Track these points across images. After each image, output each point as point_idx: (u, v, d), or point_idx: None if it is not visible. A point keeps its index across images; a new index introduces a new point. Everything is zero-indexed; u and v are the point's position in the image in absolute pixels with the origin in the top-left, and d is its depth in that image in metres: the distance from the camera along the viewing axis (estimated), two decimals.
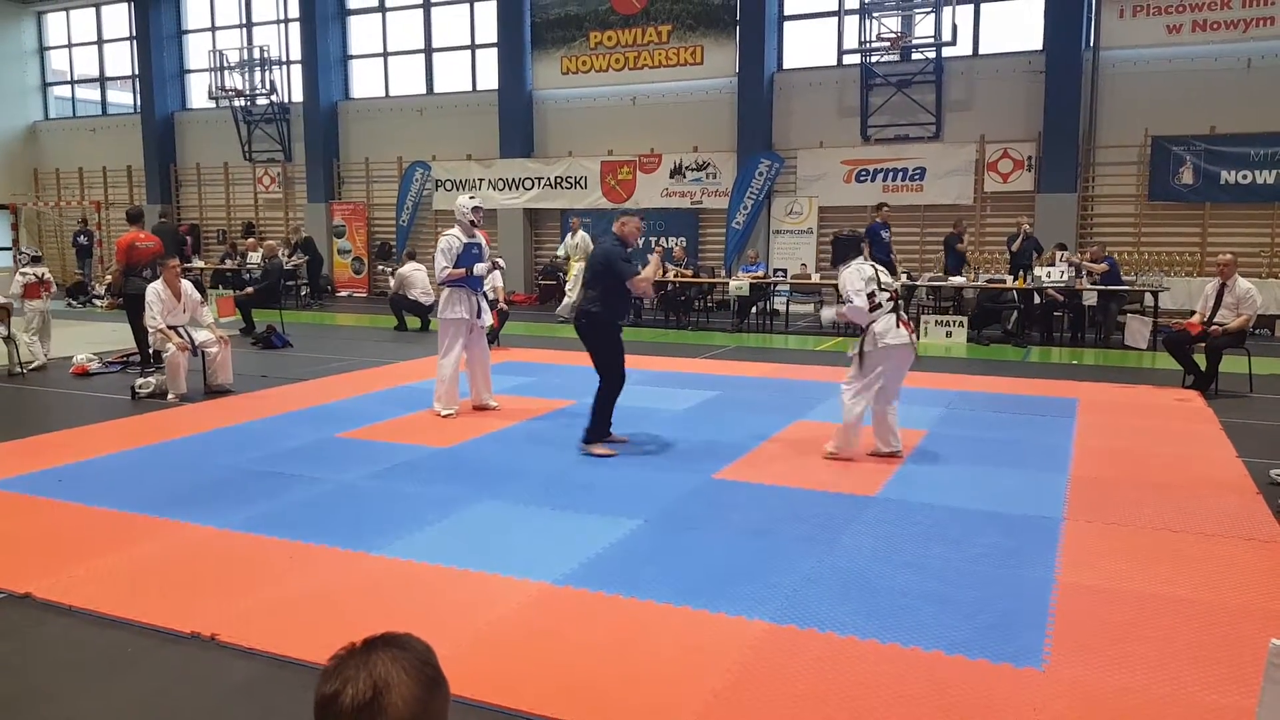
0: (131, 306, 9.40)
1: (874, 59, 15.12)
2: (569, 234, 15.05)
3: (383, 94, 19.52)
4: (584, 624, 3.67)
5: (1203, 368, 8.63)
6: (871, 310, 6.04)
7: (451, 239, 7.48)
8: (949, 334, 12.29)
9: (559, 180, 17.48)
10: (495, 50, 17.81)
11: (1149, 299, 11.99)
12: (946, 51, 14.67)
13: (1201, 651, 3.39)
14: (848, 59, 15.37)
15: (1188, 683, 3.17)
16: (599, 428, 6.38)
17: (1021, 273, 12.28)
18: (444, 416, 7.38)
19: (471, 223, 7.53)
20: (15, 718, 3.03)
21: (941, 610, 3.75)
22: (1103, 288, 11.94)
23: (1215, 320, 8.65)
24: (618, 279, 6.30)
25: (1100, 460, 6.13)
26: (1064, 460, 6.13)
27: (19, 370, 9.55)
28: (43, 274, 10.49)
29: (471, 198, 7.74)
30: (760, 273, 14.43)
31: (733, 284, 13.96)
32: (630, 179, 16.91)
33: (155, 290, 8.48)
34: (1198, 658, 3.34)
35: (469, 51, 18.60)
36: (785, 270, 14.97)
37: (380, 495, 5.38)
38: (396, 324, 13.71)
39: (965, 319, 12.38)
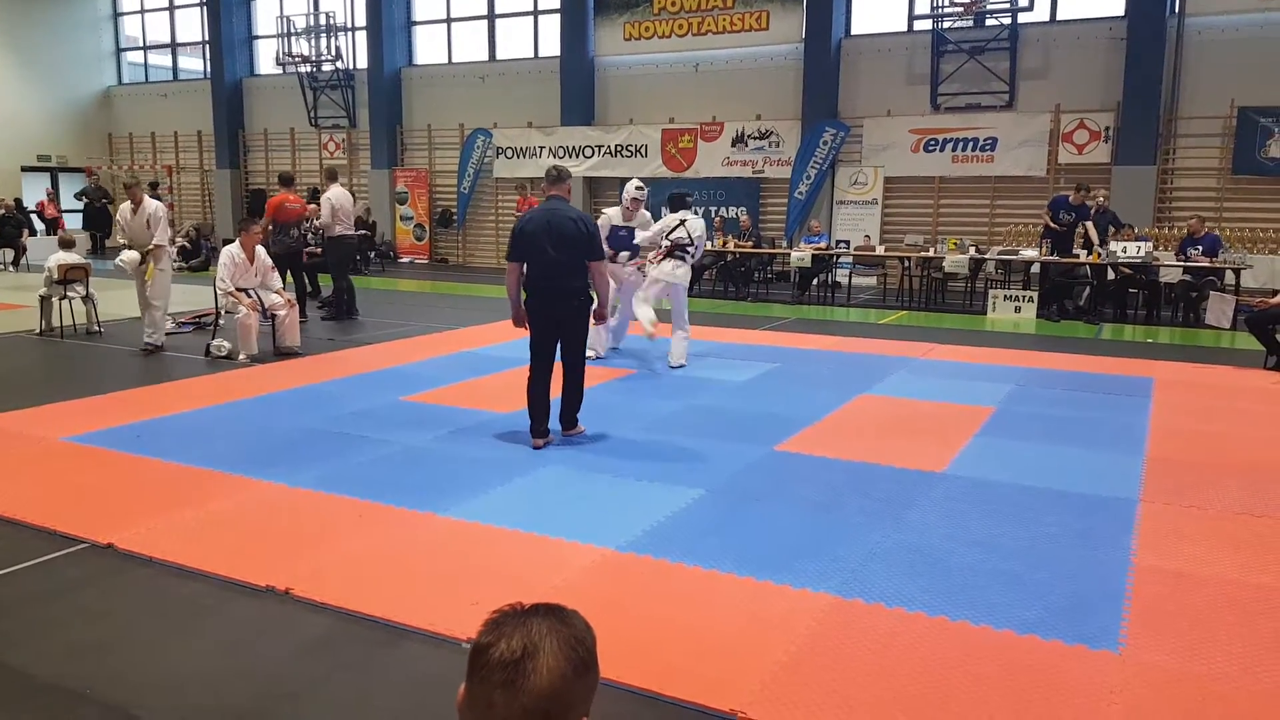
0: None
1: (946, 25, 14.68)
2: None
3: (445, 61, 19.57)
4: (647, 591, 3.68)
5: None
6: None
7: (605, 221, 8.15)
8: (1017, 309, 11.98)
9: (619, 148, 17.38)
10: (558, 16, 17.71)
11: (1230, 276, 11.52)
12: (1023, 17, 14.17)
13: None
14: (918, 25, 14.98)
15: (1276, 674, 3.06)
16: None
17: (1095, 247, 11.90)
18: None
19: (628, 208, 8.20)
20: (100, 662, 3.14)
21: (1012, 589, 3.67)
22: (1196, 264, 11.45)
23: None
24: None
25: (1178, 441, 5.94)
26: (1139, 440, 5.94)
27: (97, 329, 9.85)
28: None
29: (639, 186, 8.29)
30: (822, 244, 14.21)
31: (794, 255, 13.77)
32: (691, 147, 16.74)
33: (230, 253, 8.63)
34: None
35: (531, 18, 18.52)
36: (848, 242, 14.71)
37: (445, 458, 5.45)
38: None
39: (1035, 294, 12.05)
